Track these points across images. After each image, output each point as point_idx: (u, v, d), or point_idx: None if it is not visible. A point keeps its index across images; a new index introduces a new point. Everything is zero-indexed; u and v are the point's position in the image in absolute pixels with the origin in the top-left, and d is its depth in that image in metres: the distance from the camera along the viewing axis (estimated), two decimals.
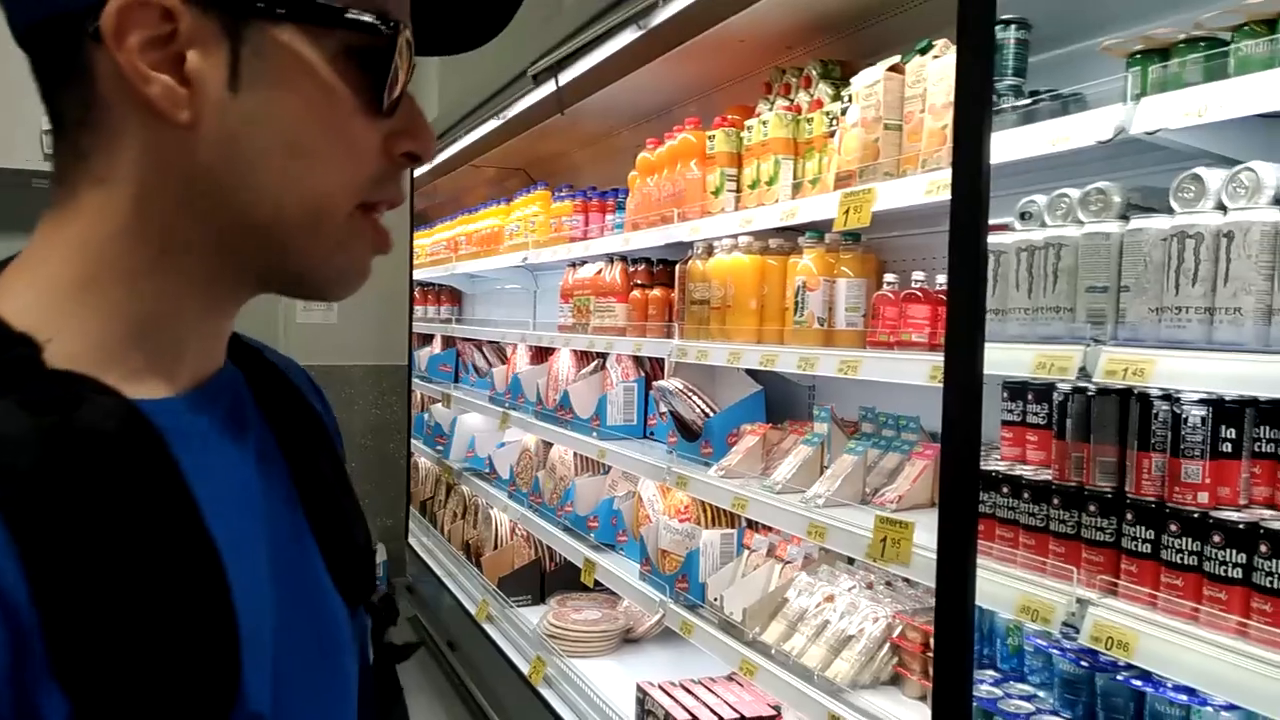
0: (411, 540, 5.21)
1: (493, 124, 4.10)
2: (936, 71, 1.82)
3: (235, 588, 0.57)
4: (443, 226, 5.39)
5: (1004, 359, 1.52)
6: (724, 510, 2.50)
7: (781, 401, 2.60)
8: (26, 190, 5.92)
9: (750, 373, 2.56)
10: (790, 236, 2.39)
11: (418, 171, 5.57)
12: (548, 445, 3.68)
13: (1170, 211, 1.35)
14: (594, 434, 3.08)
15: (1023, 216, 1.62)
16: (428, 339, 5.76)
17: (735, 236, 2.46)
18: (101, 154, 0.58)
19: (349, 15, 0.58)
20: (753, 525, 2.40)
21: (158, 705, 0.53)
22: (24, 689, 0.48)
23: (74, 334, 0.57)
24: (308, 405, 0.76)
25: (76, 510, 0.50)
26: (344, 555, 0.70)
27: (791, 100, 2.50)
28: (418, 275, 5.77)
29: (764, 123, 2.44)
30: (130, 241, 0.59)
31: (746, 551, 2.37)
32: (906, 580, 2.04)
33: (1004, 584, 1.46)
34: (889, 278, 2.00)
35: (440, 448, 4.89)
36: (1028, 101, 1.64)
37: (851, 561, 2.17)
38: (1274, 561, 1.18)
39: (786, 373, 2.37)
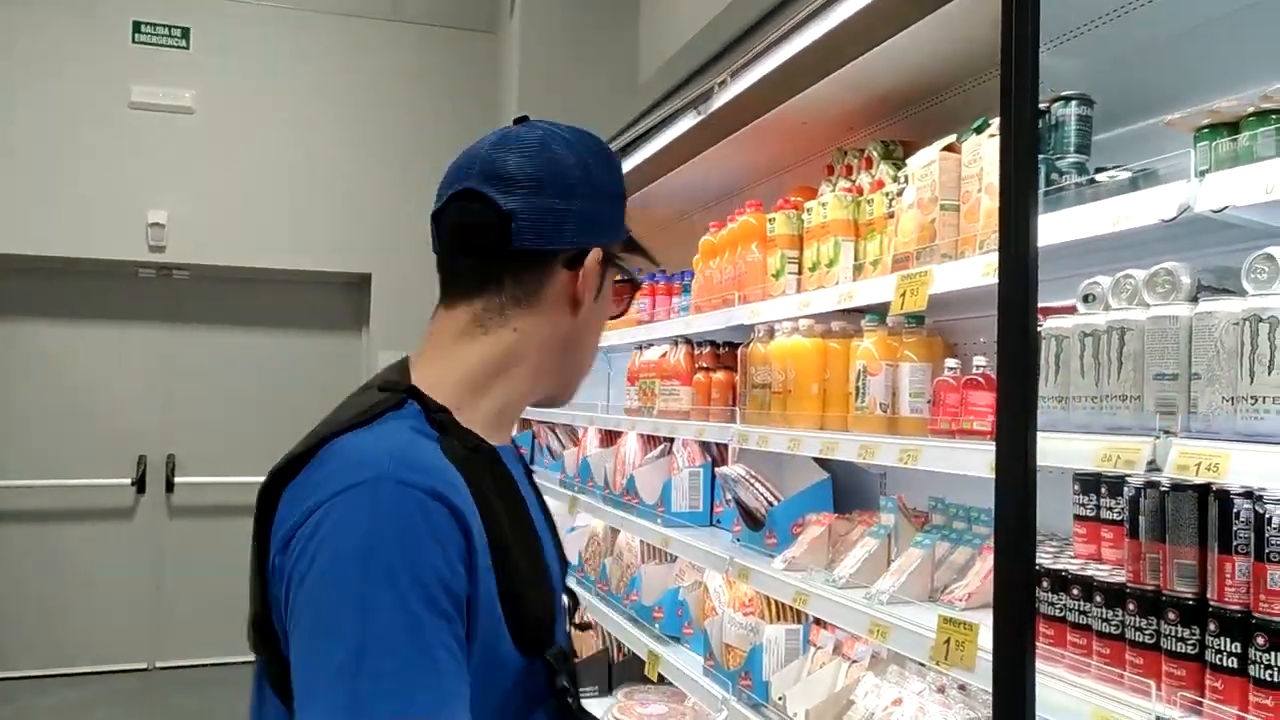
0: None
1: None
2: (992, 150, 1.76)
3: (547, 557, 1.11)
4: None
5: (1068, 450, 1.43)
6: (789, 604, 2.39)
7: (852, 490, 2.51)
8: (134, 280, 6.24)
9: (819, 460, 2.48)
10: (854, 319, 2.32)
11: None
12: (615, 531, 3.62)
13: (1243, 293, 1.26)
14: (659, 520, 3.01)
15: (1085, 299, 1.54)
16: None
17: (796, 319, 2.41)
18: (520, 317, 1.10)
19: (631, 273, 1.21)
20: (820, 621, 2.29)
21: (528, 595, 1.02)
22: (473, 569, 0.94)
23: (472, 409, 1.07)
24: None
25: (488, 488, 1.01)
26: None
27: (853, 181, 2.46)
28: None
29: (824, 204, 2.41)
30: (519, 365, 1.11)
31: (813, 649, 2.26)
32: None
33: (1077, 696, 1.35)
34: (950, 363, 1.92)
35: None
36: (1085, 179, 1.56)
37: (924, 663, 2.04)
38: None
39: (856, 461, 2.28)
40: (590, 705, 3.38)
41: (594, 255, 1.10)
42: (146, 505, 6.35)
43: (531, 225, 1.07)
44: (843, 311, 2.31)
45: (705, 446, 3.12)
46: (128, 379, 6.26)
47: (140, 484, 6.31)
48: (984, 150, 1.82)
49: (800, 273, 2.50)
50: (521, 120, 1.15)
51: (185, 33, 6.04)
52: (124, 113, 5.94)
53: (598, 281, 1.13)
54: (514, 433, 4.42)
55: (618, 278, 1.19)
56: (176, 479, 6.33)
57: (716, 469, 2.88)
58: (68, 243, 5.85)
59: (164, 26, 6.01)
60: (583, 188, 1.10)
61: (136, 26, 5.96)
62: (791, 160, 3.09)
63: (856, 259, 2.30)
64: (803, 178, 2.96)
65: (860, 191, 2.38)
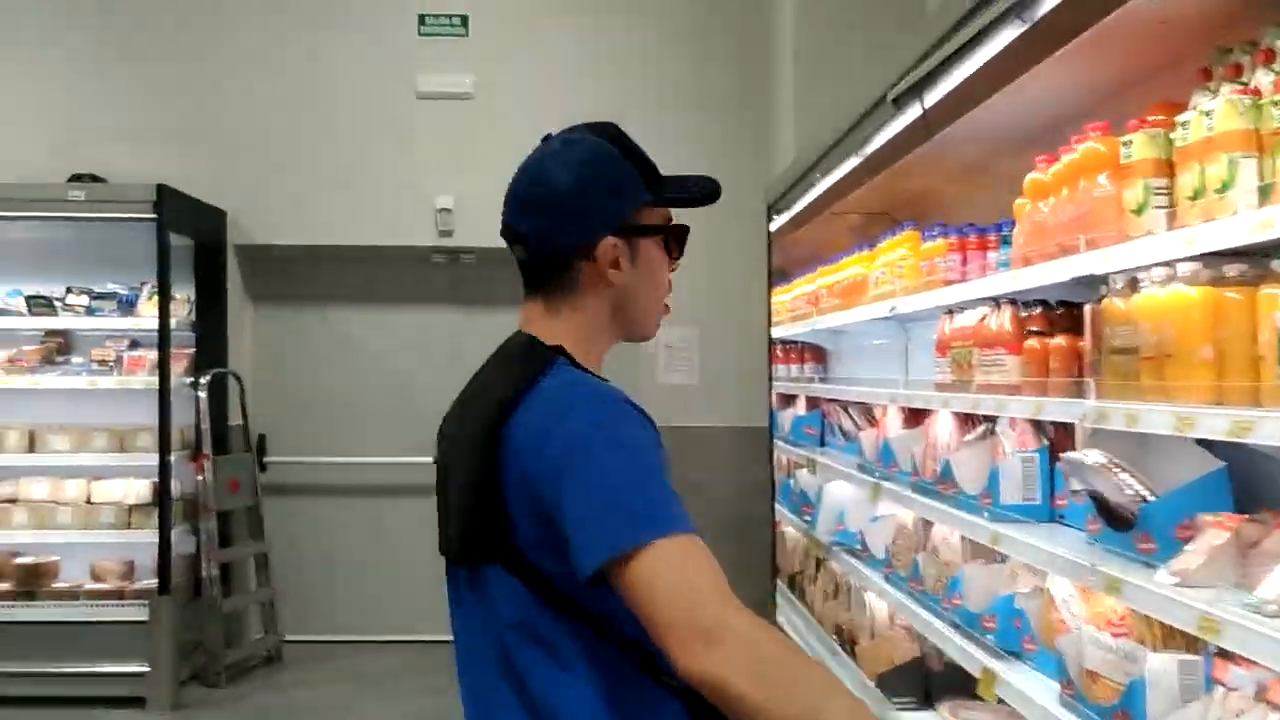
0: (780, 617, 4.87)
1: (852, 162, 3.74)
2: None
3: None
4: (802, 280, 5.10)
5: None
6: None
7: (1254, 483, 1.94)
8: (426, 264, 6.50)
9: (1203, 444, 1.94)
10: (1258, 261, 1.78)
11: (774, 225, 5.35)
12: (928, 524, 3.19)
13: None
14: (984, 514, 2.56)
15: None
16: (790, 399, 5.46)
17: (1171, 264, 1.89)
18: (572, 304, 1.42)
19: (667, 228, 1.47)
20: (1225, 652, 1.78)
21: None
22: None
23: (580, 356, 1.38)
24: None
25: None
26: None
27: (1245, 83, 1.90)
28: (778, 333, 5.52)
29: (1206, 114, 1.87)
30: (584, 329, 1.42)
31: (1220, 689, 1.75)
32: None
33: None
34: None
35: (807, 518, 4.53)
36: None
37: None
38: None
39: (1264, 446, 1.73)
40: (906, 718, 3.01)
41: (605, 243, 1.38)
42: None
43: (540, 239, 1.40)
44: (1237, 251, 1.77)
45: (1039, 427, 2.62)
46: (426, 361, 6.53)
47: None
48: None
49: (1173, 205, 1.97)
50: (545, 139, 1.46)
51: (464, 20, 6.19)
52: (412, 103, 6.17)
53: (629, 255, 1.40)
54: (797, 412, 4.12)
55: (657, 229, 1.45)
56: None
57: (1060, 455, 2.39)
58: (366, 232, 6.18)
59: (445, 16, 6.18)
60: (574, 196, 1.38)
61: (421, 19, 6.18)
62: (1139, 73, 2.51)
63: (1260, 179, 1.76)
64: (1154, 93, 2.37)
65: (1258, 94, 1.82)
